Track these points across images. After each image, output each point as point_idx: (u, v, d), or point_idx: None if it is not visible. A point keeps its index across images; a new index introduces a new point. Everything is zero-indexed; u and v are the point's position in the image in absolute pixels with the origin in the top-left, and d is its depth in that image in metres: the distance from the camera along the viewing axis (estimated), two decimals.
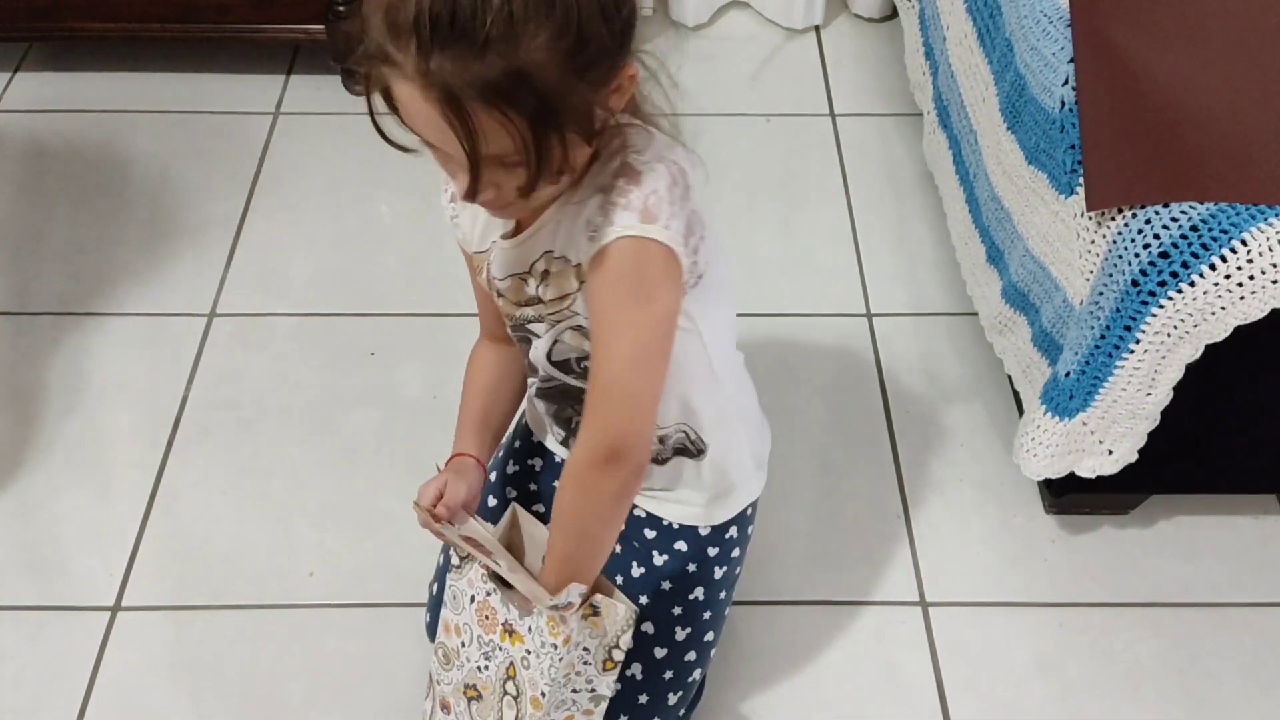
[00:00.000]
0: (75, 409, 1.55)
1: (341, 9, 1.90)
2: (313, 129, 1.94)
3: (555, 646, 0.90)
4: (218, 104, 1.98)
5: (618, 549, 1.07)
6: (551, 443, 1.14)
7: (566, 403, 1.03)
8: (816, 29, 2.16)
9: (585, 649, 0.93)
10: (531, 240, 0.90)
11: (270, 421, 1.53)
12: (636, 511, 1.07)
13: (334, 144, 1.90)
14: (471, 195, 0.79)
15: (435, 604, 1.19)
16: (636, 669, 1.06)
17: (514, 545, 0.99)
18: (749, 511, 1.10)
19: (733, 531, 1.08)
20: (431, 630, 1.19)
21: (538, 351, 0.98)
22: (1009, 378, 1.47)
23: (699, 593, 1.08)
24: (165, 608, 1.35)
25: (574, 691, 0.96)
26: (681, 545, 1.06)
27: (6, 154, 1.89)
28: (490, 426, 1.08)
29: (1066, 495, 1.41)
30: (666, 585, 1.06)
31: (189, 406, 1.55)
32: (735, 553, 1.10)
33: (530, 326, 0.96)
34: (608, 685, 0.97)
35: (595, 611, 0.92)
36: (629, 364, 0.83)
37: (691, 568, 1.07)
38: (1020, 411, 1.40)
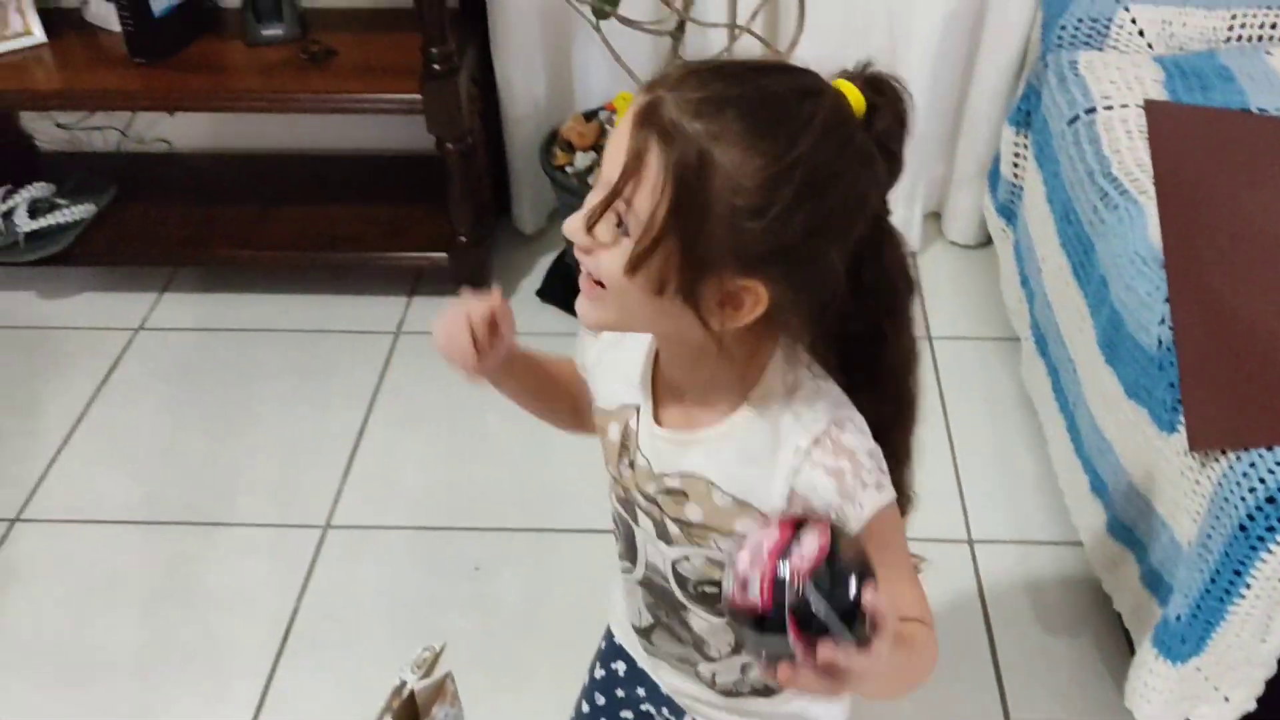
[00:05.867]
0: (193, 616, 1.61)
1: (464, 239, 2.03)
2: (431, 348, 2.04)
3: None
4: (344, 324, 2.12)
5: None
6: (622, 631, 1.10)
7: (664, 604, 0.99)
8: (913, 254, 2.23)
9: None
10: (681, 447, 0.88)
11: (376, 635, 1.57)
12: None
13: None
14: (594, 217, 0.77)
15: None
16: None
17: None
18: None
19: None
20: None
21: (655, 551, 0.95)
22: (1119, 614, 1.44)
23: None
24: None
25: None
26: None
27: (150, 370, 2.04)
28: (530, 370, 1.04)
29: None
30: None
31: (299, 617, 1.60)
32: None
33: (639, 511, 0.94)
34: None
35: None
36: (915, 600, 0.87)
37: None
38: (1132, 648, 1.36)
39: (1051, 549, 1.65)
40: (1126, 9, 1.82)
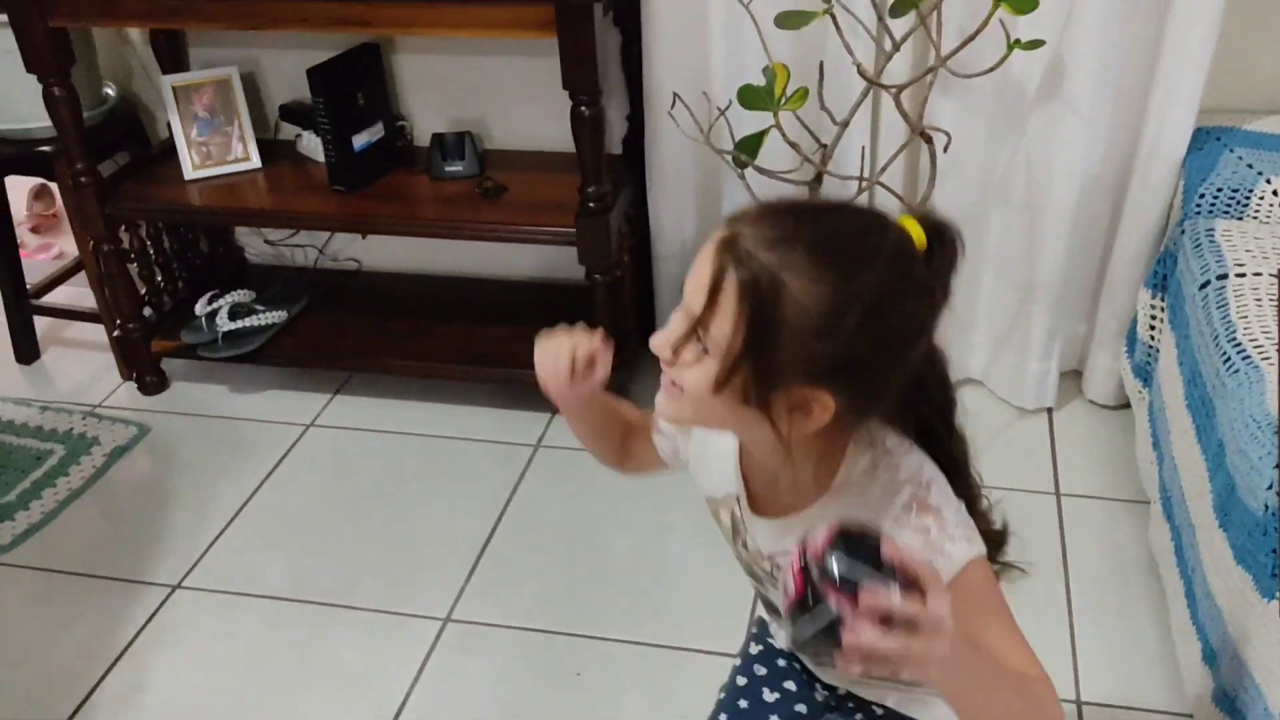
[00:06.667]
0: (313, 693, 1.72)
1: None
2: (566, 462, 2.17)
3: None
4: (489, 434, 2.26)
5: None
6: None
7: None
8: (1049, 410, 2.22)
9: None
10: (781, 531, 0.97)
11: None
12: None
13: (582, 477, 2.11)
14: (679, 344, 0.87)
15: None
16: None
17: None
18: None
19: None
20: None
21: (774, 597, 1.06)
22: None
23: None
24: None
25: None
26: None
27: (313, 463, 2.23)
28: (603, 411, 1.16)
29: None
30: None
31: (409, 706, 1.69)
32: None
33: (765, 579, 1.04)
34: None
35: None
36: (1021, 654, 0.92)
37: None
38: None
39: (1162, 718, 1.58)
40: (1269, 180, 1.83)
